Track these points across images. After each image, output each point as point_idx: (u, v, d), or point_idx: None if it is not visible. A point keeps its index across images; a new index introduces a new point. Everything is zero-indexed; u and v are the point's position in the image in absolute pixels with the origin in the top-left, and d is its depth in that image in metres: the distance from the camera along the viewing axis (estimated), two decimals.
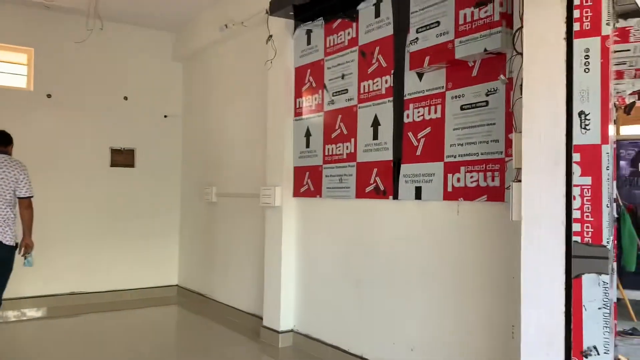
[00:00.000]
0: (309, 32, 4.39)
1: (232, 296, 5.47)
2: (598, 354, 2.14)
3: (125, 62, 6.28)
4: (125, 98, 6.26)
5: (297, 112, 4.51)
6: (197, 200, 6.21)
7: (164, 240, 6.55)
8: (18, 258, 4.22)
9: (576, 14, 2.20)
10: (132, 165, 6.33)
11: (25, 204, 4.17)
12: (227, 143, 5.70)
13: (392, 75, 3.58)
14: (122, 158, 6.26)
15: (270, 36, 4.55)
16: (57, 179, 5.85)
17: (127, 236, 6.27)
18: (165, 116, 6.57)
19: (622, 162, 6.30)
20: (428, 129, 3.29)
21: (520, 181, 2.38)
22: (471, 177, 3.03)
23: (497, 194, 2.89)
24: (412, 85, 3.42)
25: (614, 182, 3.74)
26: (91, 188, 6.06)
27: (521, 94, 2.46)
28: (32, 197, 4.18)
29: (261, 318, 4.76)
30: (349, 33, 3.99)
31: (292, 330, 4.47)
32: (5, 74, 5.77)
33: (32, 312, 5.64)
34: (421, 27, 3.22)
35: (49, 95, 5.81)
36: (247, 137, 5.34)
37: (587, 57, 2.18)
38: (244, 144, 5.40)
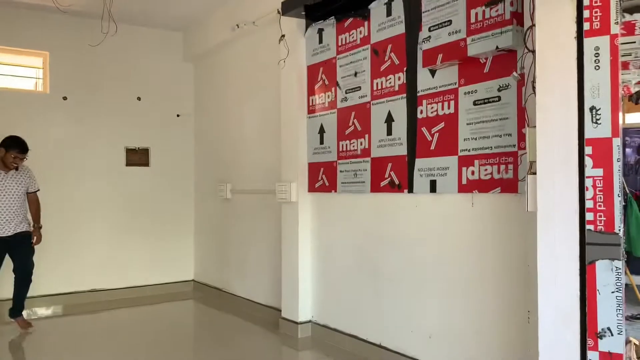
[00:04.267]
0: (320, 31, 4.50)
1: (249, 289, 5.62)
2: (612, 334, 2.27)
3: (137, 63, 6.41)
4: (139, 98, 6.40)
5: (311, 110, 4.63)
6: (212, 197, 6.34)
7: (179, 237, 6.69)
8: None
9: (586, 14, 2.30)
10: (146, 164, 6.47)
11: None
12: (240, 141, 5.82)
13: (404, 73, 3.70)
14: (137, 157, 6.41)
15: (283, 36, 4.66)
16: (75, 179, 5.99)
17: (143, 233, 6.42)
18: (177, 115, 6.70)
19: (627, 150, 6.39)
20: (442, 124, 3.41)
21: (534, 173, 2.50)
22: (485, 170, 3.15)
23: (511, 186, 3.01)
24: (425, 81, 3.54)
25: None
26: (108, 187, 6.20)
27: (533, 90, 2.58)
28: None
29: (279, 310, 4.90)
30: (360, 32, 4.10)
31: (310, 321, 4.62)
32: (22, 78, 5.89)
33: (49, 310, 5.74)
34: (433, 26, 3.32)
35: (64, 98, 5.94)
36: (260, 136, 5.46)
37: (597, 55, 2.29)
38: (257, 142, 5.52)
